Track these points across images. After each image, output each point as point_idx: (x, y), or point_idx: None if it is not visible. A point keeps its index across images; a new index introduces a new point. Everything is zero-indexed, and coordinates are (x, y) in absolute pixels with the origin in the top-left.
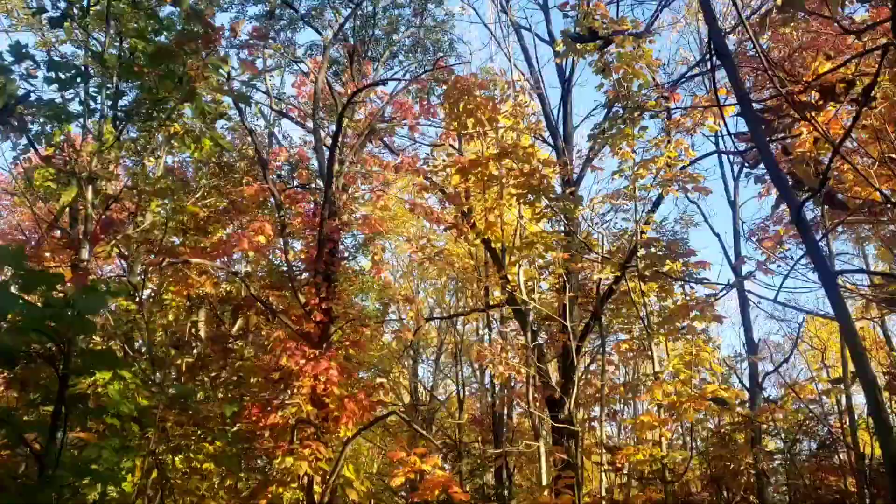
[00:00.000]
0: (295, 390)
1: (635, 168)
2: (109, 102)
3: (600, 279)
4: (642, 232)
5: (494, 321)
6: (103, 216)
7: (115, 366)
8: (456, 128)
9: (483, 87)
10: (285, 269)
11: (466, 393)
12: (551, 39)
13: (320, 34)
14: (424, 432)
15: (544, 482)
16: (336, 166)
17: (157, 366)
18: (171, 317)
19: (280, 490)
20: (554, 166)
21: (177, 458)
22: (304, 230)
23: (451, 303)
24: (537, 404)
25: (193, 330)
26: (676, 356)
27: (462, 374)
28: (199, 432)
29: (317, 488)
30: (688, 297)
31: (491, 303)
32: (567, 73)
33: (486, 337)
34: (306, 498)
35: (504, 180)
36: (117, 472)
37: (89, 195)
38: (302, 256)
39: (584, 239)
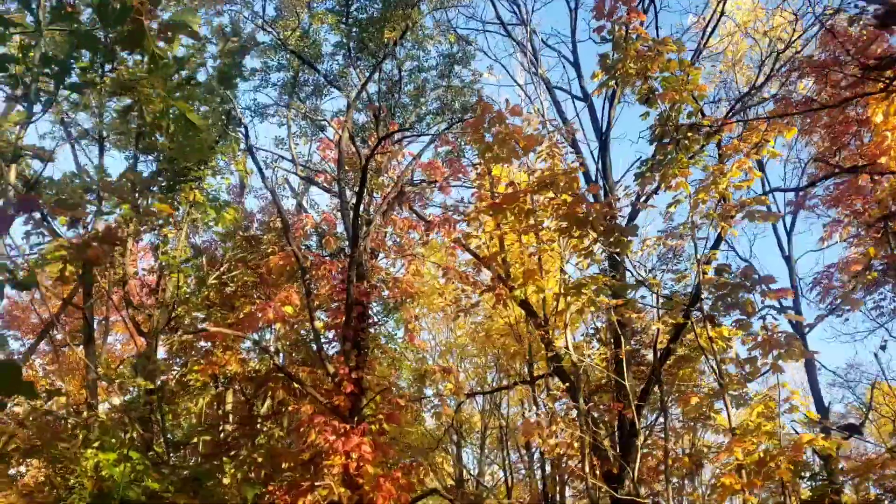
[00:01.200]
0: (325, 470)
1: (693, 196)
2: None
3: (658, 332)
4: (704, 273)
5: (540, 400)
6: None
7: (17, 391)
8: (486, 161)
9: (516, 112)
10: (312, 339)
11: (514, 479)
12: (585, 96)
13: (341, 91)
14: None
15: None
16: (364, 228)
17: (173, 447)
18: (196, 397)
19: None
20: (597, 194)
21: None
22: (331, 298)
23: (493, 382)
24: (596, 473)
25: (220, 411)
26: (760, 401)
27: (509, 459)
28: None
29: None
30: (769, 332)
31: (536, 375)
32: (604, 127)
33: (533, 416)
34: None
35: (543, 218)
36: None
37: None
38: (330, 324)
39: (640, 281)
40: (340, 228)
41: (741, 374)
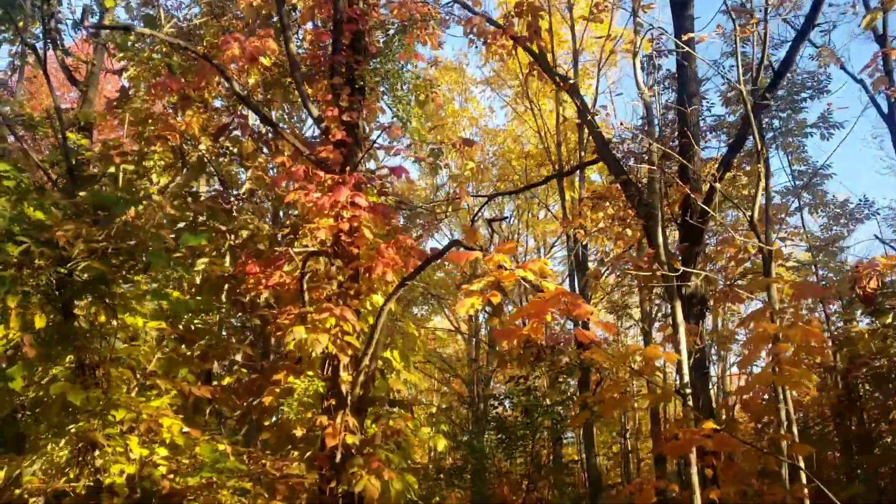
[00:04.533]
0: (309, 235)
1: None
2: None
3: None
4: None
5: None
6: None
7: None
8: None
9: None
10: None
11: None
12: None
13: None
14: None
15: (685, 368)
16: None
17: (80, 182)
18: (156, 178)
19: (291, 379)
20: None
21: (86, 303)
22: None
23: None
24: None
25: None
26: None
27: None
28: (124, 259)
29: (345, 376)
30: None
31: (571, 167)
32: None
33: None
34: (330, 390)
35: None
36: None
37: None
38: (312, 54)
39: None
40: None
41: None
